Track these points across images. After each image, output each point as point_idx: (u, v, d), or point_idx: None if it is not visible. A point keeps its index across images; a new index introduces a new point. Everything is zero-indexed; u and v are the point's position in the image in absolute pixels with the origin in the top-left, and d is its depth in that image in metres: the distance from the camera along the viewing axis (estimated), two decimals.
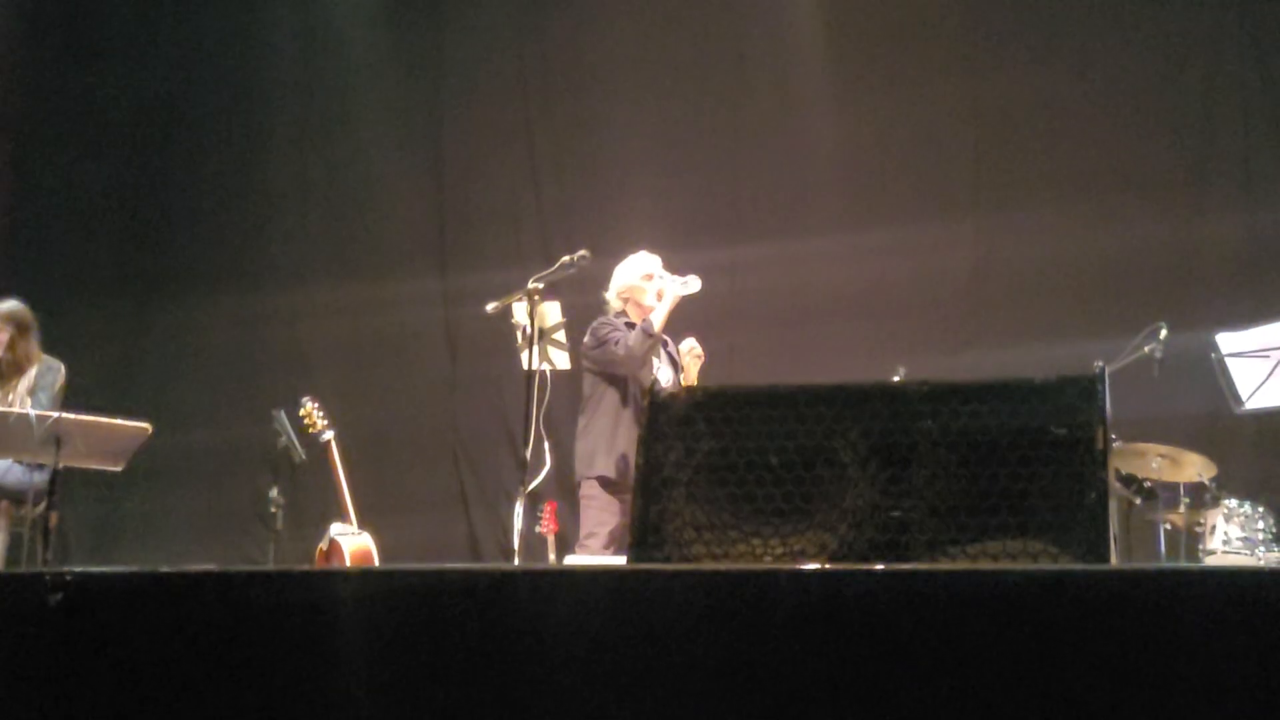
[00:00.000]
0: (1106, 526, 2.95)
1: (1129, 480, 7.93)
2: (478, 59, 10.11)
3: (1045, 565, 2.90)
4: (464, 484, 9.62)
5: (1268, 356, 6.01)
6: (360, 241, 10.09)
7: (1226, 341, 6.10)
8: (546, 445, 6.88)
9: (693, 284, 7.00)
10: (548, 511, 7.62)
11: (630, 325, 7.03)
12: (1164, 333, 7.41)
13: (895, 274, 9.39)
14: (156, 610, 3.01)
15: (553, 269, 6.88)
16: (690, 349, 7.16)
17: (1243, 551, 7.54)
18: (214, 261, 10.08)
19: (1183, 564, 7.56)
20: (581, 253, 6.94)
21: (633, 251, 7.33)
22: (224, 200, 10.21)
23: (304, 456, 7.72)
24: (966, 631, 2.68)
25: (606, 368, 6.98)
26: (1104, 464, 2.97)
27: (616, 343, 6.90)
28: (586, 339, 7.04)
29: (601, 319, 7.12)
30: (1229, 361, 6.11)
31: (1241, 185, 8.97)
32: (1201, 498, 7.92)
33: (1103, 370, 3.02)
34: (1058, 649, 2.66)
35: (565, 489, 7.75)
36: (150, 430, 6.92)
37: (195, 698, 3.00)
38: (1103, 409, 3.01)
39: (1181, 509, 7.97)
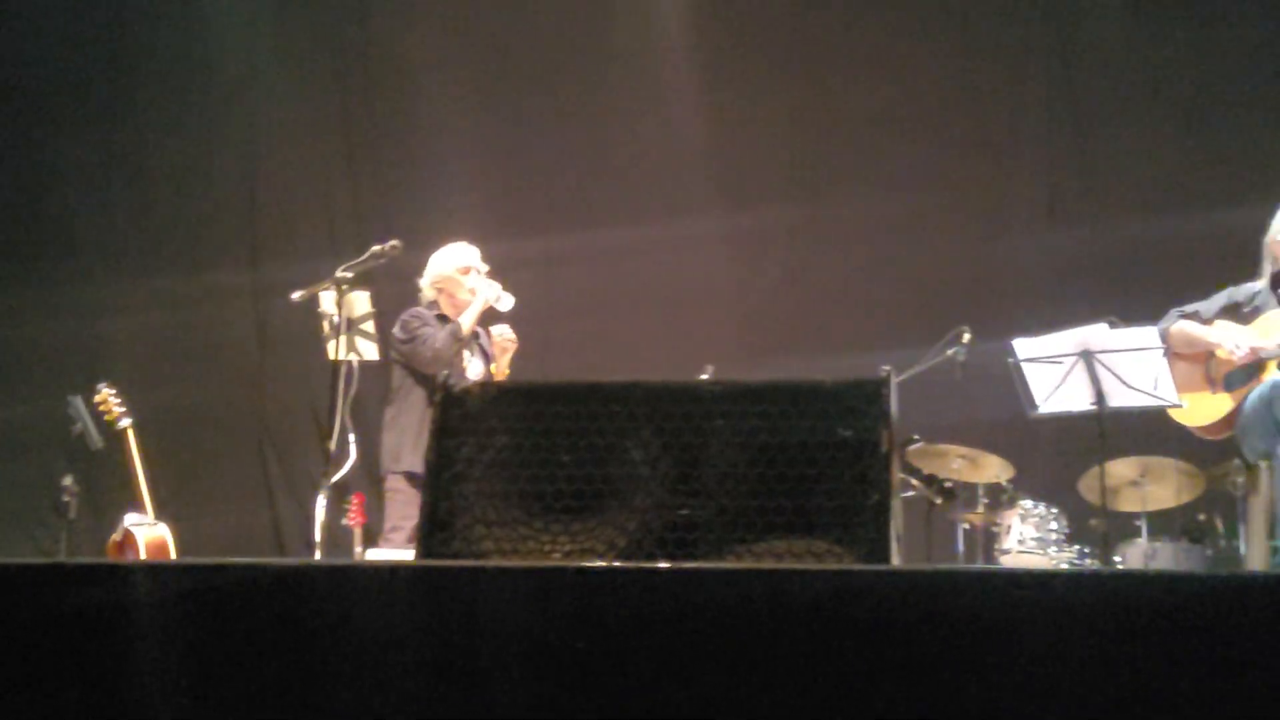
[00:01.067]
0: (889, 527, 3.00)
1: (930, 480, 8.11)
2: (295, 42, 9.92)
3: (826, 565, 2.94)
4: (270, 475, 9.45)
5: (1060, 362, 6.18)
6: (168, 227, 9.76)
7: (1022, 347, 6.26)
8: (352, 437, 6.80)
9: (506, 301, 6.95)
10: (355, 504, 7.51)
11: (442, 318, 6.97)
12: (967, 337, 7.60)
13: (711, 273, 9.50)
14: None
15: (363, 258, 6.79)
16: (502, 335, 7.10)
17: (1036, 551, 7.76)
18: (10, 243, 9.69)
19: (957, 565, 7.75)
20: (393, 242, 6.87)
21: (448, 242, 7.26)
22: (21, 180, 9.82)
23: (100, 444, 7.51)
24: (748, 630, 2.71)
25: (413, 364, 6.92)
26: (887, 466, 3.03)
27: (425, 341, 6.84)
28: (396, 331, 6.96)
29: (413, 311, 7.04)
30: (1024, 367, 6.26)
31: (1043, 196, 9.26)
32: (999, 498, 8.15)
33: (888, 374, 3.07)
34: (836, 647, 2.70)
35: (374, 481, 7.65)
36: None
37: None
38: (888, 412, 3.07)
39: (980, 509, 8.19)
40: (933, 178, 9.36)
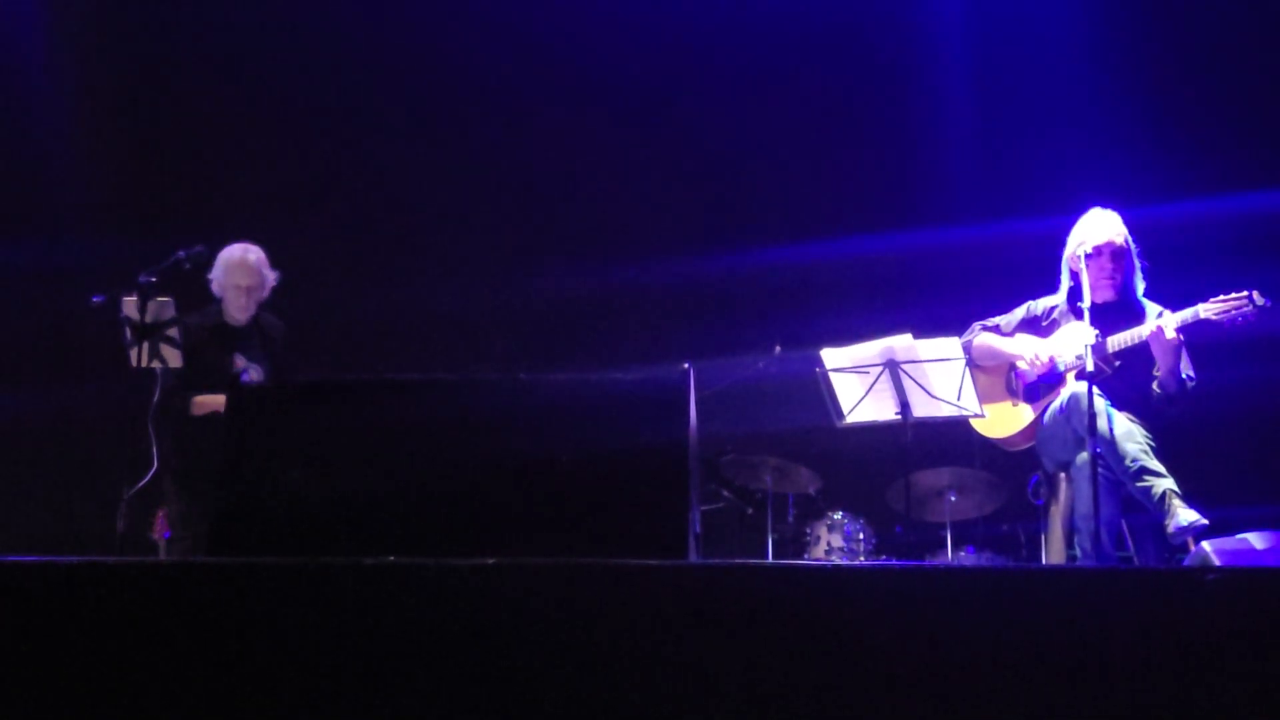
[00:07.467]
0: (686, 524, 3.01)
1: (742, 491, 8.20)
2: (91, 40, 9.61)
3: (623, 560, 2.94)
4: (71, 485, 9.16)
5: (866, 372, 6.26)
6: None
7: (829, 357, 6.32)
8: (155, 446, 6.62)
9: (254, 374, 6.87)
10: (160, 517, 7.32)
11: (220, 328, 6.83)
12: (778, 349, 7.69)
13: (519, 283, 9.46)
14: None
15: (166, 263, 6.61)
16: None
17: (844, 561, 7.88)
18: None
19: (745, 560, 7.85)
20: (198, 248, 6.70)
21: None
22: None
23: None
24: (543, 624, 2.70)
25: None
26: (685, 463, 3.04)
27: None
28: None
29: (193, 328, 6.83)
30: (831, 376, 6.33)
31: (849, 207, 9.40)
32: (809, 509, 8.26)
33: (688, 372, 3.08)
34: (635, 640, 2.71)
35: None
36: None
37: None
38: (687, 409, 3.08)
39: (790, 519, 8.30)
40: (737, 187, 9.45)
